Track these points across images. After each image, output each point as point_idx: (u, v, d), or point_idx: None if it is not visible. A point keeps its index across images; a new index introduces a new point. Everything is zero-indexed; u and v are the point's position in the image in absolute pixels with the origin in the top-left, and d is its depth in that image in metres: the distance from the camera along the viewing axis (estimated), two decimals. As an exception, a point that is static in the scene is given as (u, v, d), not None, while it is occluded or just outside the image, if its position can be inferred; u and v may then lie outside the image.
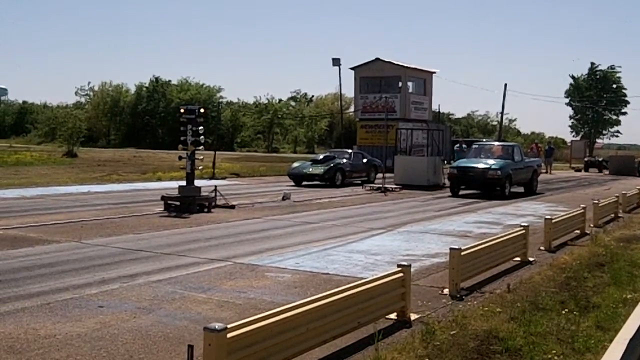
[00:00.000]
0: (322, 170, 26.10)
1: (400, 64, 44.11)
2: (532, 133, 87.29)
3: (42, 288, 8.05)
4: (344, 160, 27.38)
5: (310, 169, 26.46)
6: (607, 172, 45.43)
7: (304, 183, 26.22)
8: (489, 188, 23.08)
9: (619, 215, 17.72)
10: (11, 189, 20.77)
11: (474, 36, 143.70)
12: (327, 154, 29.67)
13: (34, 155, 38.82)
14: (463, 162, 24.35)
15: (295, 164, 28.12)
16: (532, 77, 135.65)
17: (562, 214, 14.08)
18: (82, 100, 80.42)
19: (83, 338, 6.21)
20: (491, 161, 23.59)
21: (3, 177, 24.85)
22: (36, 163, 34.21)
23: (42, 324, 6.60)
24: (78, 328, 6.50)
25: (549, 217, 12.44)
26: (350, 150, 30.26)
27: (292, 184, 25.94)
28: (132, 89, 79.05)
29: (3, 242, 11.22)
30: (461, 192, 23.35)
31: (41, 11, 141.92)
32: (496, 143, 30.76)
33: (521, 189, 24.77)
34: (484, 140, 47.22)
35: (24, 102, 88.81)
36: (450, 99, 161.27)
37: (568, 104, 74.51)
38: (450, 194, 23.32)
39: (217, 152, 30.05)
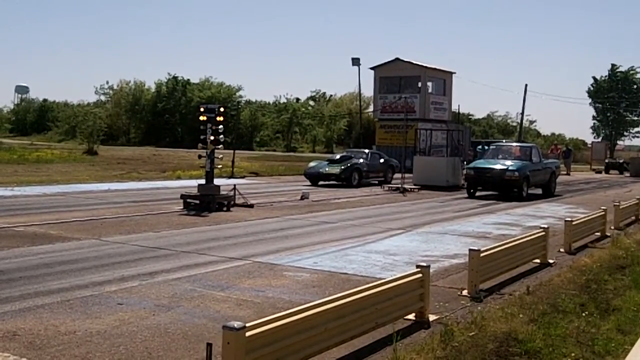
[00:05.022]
0: (338, 170, 26.06)
1: (420, 64, 43.94)
2: (553, 134, 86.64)
3: (62, 285, 8.12)
4: (361, 160, 27.32)
5: (327, 169, 26.42)
6: (628, 174, 44.98)
7: (321, 183, 26.21)
8: (506, 189, 22.90)
9: (640, 217, 17.52)
10: (32, 186, 20.97)
11: (494, 36, 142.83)
12: (344, 153, 29.63)
13: (54, 153, 39.16)
14: (480, 163, 24.12)
15: (312, 164, 28.07)
16: (553, 78, 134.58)
17: (583, 216, 13.95)
18: (102, 98, 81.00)
19: (102, 335, 6.24)
20: (509, 162, 23.39)
21: (24, 175, 25.12)
22: (57, 161, 34.50)
23: (62, 321, 6.64)
24: (97, 325, 6.54)
25: (569, 219, 12.32)
26: (367, 150, 30.16)
27: (310, 183, 25.95)
28: (152, 87, 79.51)
29: (23, 238, 11.33)
30: (479, 193, 23.20)
31: (62, 10, 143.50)
32: (514, 144, 30.55)
33: (539, 191, 24.57)
34: (504, 141, 46.87)
35: (45, 100, 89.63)
36: (470, 99, 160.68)
37: (590, 104, 73.93)
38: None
39: (236, 151, 30.13)
